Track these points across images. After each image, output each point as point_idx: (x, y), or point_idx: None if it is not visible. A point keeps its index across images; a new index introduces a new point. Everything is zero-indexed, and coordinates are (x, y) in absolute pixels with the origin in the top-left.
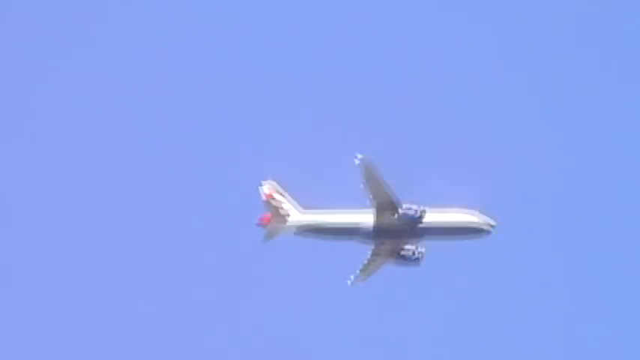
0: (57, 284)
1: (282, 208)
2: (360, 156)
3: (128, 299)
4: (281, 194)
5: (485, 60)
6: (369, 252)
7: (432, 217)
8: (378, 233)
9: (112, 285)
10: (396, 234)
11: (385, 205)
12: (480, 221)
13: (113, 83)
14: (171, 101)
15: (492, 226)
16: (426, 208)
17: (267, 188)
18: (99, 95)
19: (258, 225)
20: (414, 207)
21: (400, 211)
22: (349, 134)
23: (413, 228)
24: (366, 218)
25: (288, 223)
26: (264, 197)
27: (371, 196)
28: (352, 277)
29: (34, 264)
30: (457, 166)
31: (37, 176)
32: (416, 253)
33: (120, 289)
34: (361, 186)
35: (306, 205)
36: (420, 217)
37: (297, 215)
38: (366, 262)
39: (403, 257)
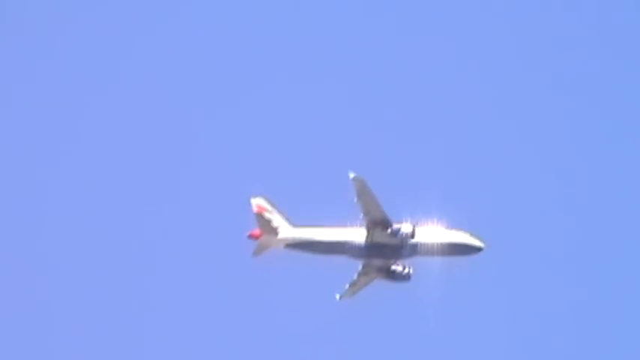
0: (46, 285)
1: (272, 222)
2: (352, 174)
3: (116, 310)
4: (270, 210)
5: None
6: (359, 267)
7: (423, 234)
8: (369, 249)
9: (100, 294)
10: (386, 251)
11: (377, 221)
12: (471, 240)
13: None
14: (166, 108)
15: (482, 246)
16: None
17: (257, 204)
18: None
19: (248, 238)
20: (406, 224)
21: (392, 227)
22: (339, 151)
23: (404, 245)
24: (356, 234)
25: (278, 237)
26: (255, 211)
27: (363, 213)
28: (341, 292)
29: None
30: (445, 187)
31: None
32: (406, 269)
33: (108, 300)
34: (354, 201)
35: (295, 221)
36: (412, 233)
37: (287, 230)
38: (355, 277)
39: (393, 273)
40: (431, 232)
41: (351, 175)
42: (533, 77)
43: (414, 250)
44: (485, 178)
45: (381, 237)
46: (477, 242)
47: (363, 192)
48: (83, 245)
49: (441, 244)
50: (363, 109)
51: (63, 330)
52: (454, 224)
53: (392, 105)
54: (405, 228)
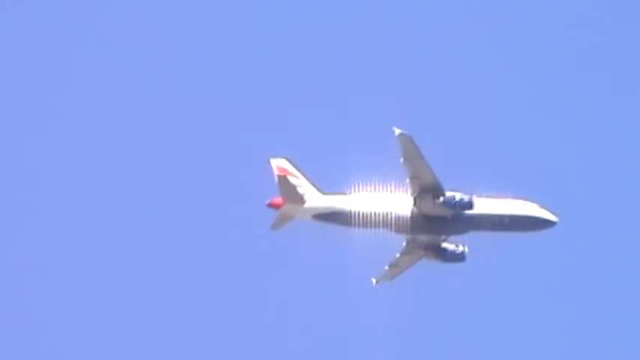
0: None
1: (298, 188)
2: (397, 130)
3: (137, 285)
4: (295, 174)
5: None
6: (403, 244)
7: (482, 205)
8: (416, 222)
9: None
10: (437, 224)
11: (426, 187)
12: (542, 212)
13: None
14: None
15: (556, 220)
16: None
17: (278, 166)
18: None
19: (269, 207)
20: (461, 194)
21: (444, 196)
22: (377, 107)
23: (459, 217)
24: (400, 204)
25: (305, 206)
26: (276, 174)
27: (409, 177)
28: (379, 275)
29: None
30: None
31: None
32: (460, 247)
33: (129, 275)
34: (399, 163)
35: (325, 188)
36: (469, 203)
37: (316, 198)
38: (397, 256)
39: (444, 252)
40: (491, 203)
41: (397, 132)
42: None
43: (471, 223)
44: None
45: (430, 207)
46: (549, 215)
47: (411, 152)
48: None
49: (505, 216)
50: (405, 62)
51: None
52: (516, 193)
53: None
54: (461, 197)
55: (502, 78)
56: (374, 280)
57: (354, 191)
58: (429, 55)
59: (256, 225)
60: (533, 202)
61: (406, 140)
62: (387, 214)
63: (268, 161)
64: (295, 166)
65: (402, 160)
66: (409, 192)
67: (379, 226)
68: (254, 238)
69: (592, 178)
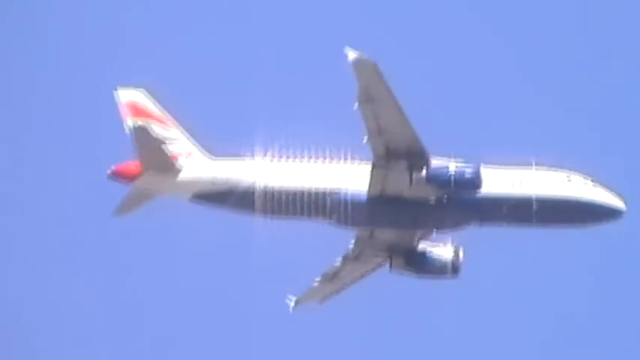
0: None
1: (168, 144)
2: (352, 52)
3: None
4: (162, 118)
5: None
6: (349, 246)
7: (498, 180)
8: (377, 209)
9: None
10: (414, 212)
11: (399, 150)
12: (601, 196)
13: None
14: None
15: (623, 208)
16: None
17: (130, 103)
18: None
19: (113, 177)
20: (458, 163)
21: (430, 165)
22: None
23: (454, 202)
24: (351, 177)
25: (180, 177)
26: (129, 120)
27: (370, 132)
28: (303, 292)
29: None
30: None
31: None
32: (451, 251)
33: None
34: (354, 108)
35: (218, 149)
36: (474, 179)
37: (198, 164)
38: (338, 263)
39: (422, 258)
40: (510, 177)
41: (351, 55)
42: None
43: (474, 212)
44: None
45: (404, 185)
46: (609, 198)
47: (374, 88)
48: None
49: (534, 200)
50: None
51: None
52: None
53: None
54: (459, 167)
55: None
56: (292, 302)
57: (266, 154)
58: None
59: (91, 208)
60: (582, 175)
61: (367, 69)
62: (323, 194)
63: (114, 93)
64: (161, 105)
65: (356, 103)
66: (368, 158)
67: (308, 214)
68: (86, 230)
69: None
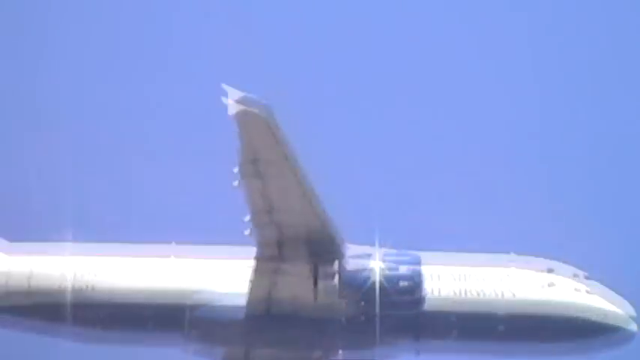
0: None
1: None
2: (234, 95)
3: None
4: None
5: None
6: None
7: (449, 281)
8: (262, 324)
9: None
10: (318, 329)
11: (301, 235)
12: (600, 309)
13: None
14: None
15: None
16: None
17: None
18: None
19: None
20: (390, 256)
21: (343, 262)
22: None
23: (379, 319)
24: (221, 280)
25: None
26: None
27: (255, 211)
28: None
29: None
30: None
31: None
32: None
33: None
34: (234, 172)
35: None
36: (413, 284)
37: None
38: None
39: None
40: (464, 278)
41: (231, 102)
42: None
43: (409, 325)
44: None
45: (301, 289)
46: (617, 315)
47: (265, 147)
48: None
49: (500, 317)
50: None
51: None
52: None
53: None
54: (391, 266)
55: None
56: None
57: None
58: None
59: None
60: (571, 272)
61: (257, 122)
62: (176, 308)
63: None
64: None
65: (237, 168)
66: (250, 252)
67: (152, 329)
68: None
69: None
